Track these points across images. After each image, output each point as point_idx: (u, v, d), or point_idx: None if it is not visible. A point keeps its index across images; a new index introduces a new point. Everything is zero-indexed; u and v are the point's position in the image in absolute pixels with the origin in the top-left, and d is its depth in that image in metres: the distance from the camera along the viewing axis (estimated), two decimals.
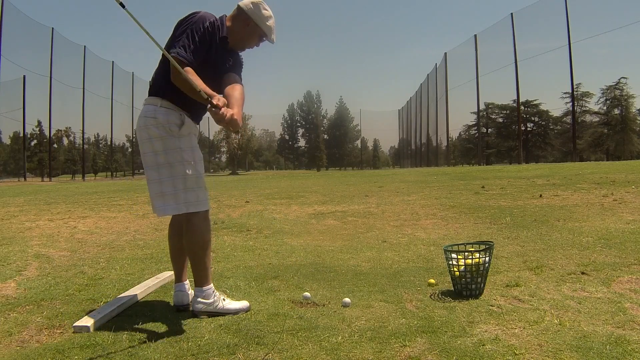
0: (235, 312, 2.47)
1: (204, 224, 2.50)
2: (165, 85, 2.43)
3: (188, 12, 2.50)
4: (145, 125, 2.45)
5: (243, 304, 2.53)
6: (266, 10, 2.56)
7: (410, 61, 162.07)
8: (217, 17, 2.54)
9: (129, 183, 19.93)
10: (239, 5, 2.57)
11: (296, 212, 6.66)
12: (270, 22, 2.57)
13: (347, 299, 2.59)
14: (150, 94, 2.51)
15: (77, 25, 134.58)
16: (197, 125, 2.65)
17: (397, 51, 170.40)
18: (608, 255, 3.49)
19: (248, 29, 2.56)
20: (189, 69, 2.31)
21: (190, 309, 2.54)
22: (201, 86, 2.26)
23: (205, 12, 2.49)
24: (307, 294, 2.72)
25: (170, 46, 2.40)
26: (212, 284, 2.53)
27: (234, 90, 2.48)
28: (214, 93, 2.33)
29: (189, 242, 2.50)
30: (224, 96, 2.41)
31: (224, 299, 2.51)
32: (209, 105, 2.24)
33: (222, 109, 2.23)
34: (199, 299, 2.47)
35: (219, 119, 2.24)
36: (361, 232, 5.02)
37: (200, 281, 2.50)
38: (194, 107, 2.49)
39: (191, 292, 2.62)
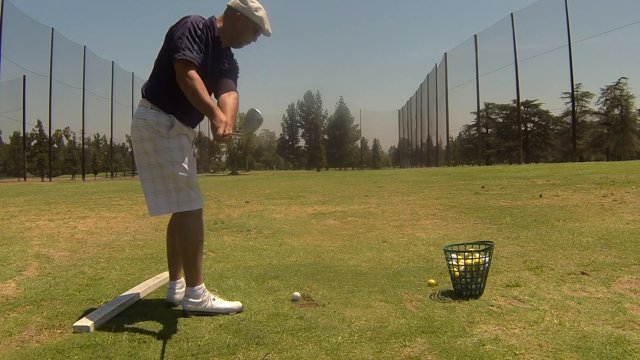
0: (225, 311, 2.46)
1: (196, 224, 2.51)
2: (159, 91, 2.49)
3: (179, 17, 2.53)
4: (136, 127, 2.50)
5: (235, 304, 2.53)
6: (253, 2, 2.57)
7: (410, 61, 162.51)
8: (207, 18, 2.57)
9: (129, 183, 19.91)
10: (227, 5, 2.61)
11: (296, 212, 6.66)
12: (260, 13, 2.57)
13: (296, 293, 2.70)
14: (143, 96, 2.55)
15: (77, 25, 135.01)
16: (193, 130, 2.68)
17: (397, 51, 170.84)
18: (608, 255, 3.49)
19: (240, 23, 2.57)
20: (198, 78, 2.33)
21: (181, 308, 2.56)
22: (207, 99, 2.32)
23: (196, 15, 2.52)
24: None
25: (169, 51, 2.39)
26: (202, 284, 2.54)
27: (230, 97, 2.54)
28: (218, 111, 2.33)
29: (180, 242, 2.52)
30: (219, 103, 2.47)
31: (213, 299, 2.51)
32: (212, 122, 2.30)
33: (220, 130, 2.26)
34: (189, 299, 2.48)
35: (216, 138, 2.29)
36: (361, 232, 5.02)
37: (190, 281, 2.51)
38: (188, 114, 2.52)
39: (182, 290, 2.65)
